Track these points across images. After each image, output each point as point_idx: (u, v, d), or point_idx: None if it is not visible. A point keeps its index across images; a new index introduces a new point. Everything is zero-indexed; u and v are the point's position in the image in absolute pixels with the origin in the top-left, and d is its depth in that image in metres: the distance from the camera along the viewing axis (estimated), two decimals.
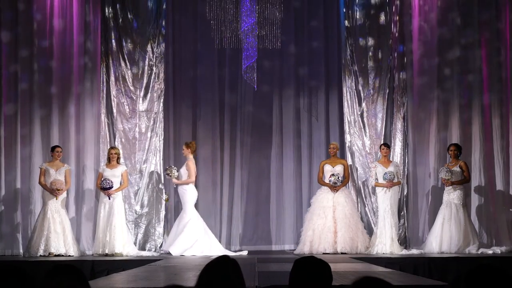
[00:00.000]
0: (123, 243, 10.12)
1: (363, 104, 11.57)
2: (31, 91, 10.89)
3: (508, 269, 2.43)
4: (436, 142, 11.16)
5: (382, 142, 11.08)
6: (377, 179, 10.53)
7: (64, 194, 10.25)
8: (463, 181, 10.37)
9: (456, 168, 10.34)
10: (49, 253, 9.82)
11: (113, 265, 8.63)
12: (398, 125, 11.48)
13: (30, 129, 10.83)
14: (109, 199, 10.23)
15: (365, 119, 11.57)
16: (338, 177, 10.66)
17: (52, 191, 10.02)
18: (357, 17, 11.63)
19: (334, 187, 10.59)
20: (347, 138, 11.46)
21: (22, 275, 2.44)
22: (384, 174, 10.39)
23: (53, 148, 10.36)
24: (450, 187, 10.27)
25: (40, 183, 10.21)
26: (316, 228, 10.45)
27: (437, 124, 11.18)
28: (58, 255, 9.83)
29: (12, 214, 10.75)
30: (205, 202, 11.77)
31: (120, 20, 11.49)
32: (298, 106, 12.04)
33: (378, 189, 10.53)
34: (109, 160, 10.50)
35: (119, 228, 10.14)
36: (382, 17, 11.62)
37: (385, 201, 10.39)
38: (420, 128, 11.24)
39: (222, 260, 2.63)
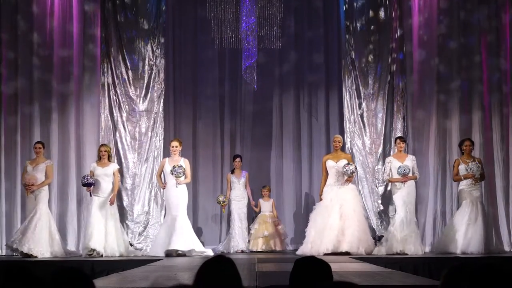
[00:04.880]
0: (117, 243, 9.80)
1: (363, 104, 11.57)
2: (31, 91, 10.89)
3: (509, 269, 2.43)
4: (436, 142, 11.16)
5: (398, 136, 10.64)
6: (390, 174, 9.95)
7: (43, 192, 9.74)
8: (483, 179, 10.00)
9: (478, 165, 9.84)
10: (21, 252, 9.45)
11: (113, 265, 8.61)
12: (398, 125, 11.48)
13: (29, 129, 10.83)
14: (90, 196, 9.89)
15: (365, 119, 11.57)
16: (356, 166, 10.12)
17: (25, 187, 9.73)
18: (357, 17, 11.64)
19: (350, 177, 10.00)
20: (347, 138, 11.46)
21: (29, 275, 2.43)
22: (398, 168, 9.78)
23: (34, 145, 10.07)
24: (476, 184, 9.76)
25: (21, 181, 10.05)
26: (318, 227, 9.94)
27: (437, 124, 11.18)
28: (30, 255, 9.38)
29: None
30: (205, 202, 11.80)
31: (120, 20, 11.50)
32: (298, 106, 12.04)
33: (393, 185, 10.03)
34: (99, 158, 10.04)
35: (112, 228, 9.80)
36: (383, 18, 11.64)
37: (401, 198, 9.80)
38: (420, 128, 11.24)
39: (217, 259, 2.63)
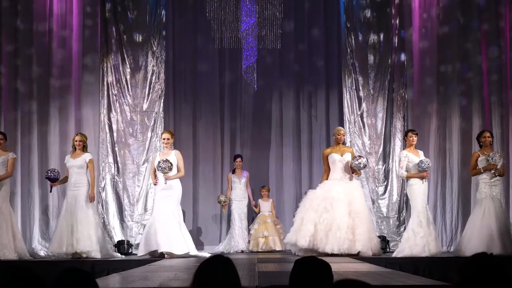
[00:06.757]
0: (90, 242, 8.93)
1: (363, 104, 11.58)
2: (30, 92, 10.88)
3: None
4: (436, 142, 11.16)
5: (409, 129, 9.89)
6: (408, 170, 9.13)
7: (4, 186, 9.15)
8: (503, 174, 9.30)
9: None
10: None
11: (113, 265, 8.61)
12: (398, 125, 11.48)
13: (29, 129, 10.81)
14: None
15: (365, 119, 11.58)
16: (367, 159, 9.49)
17: None
18: (357, 18, 11.64)
19: (361, 169, 9.43)
20: (347, 138, 11.46)
21: (31, 275, 2.43)
22: (421, 163, 9.01)
23: None
24: (496, 178, 9.02)
25: None
26: (321, 223, 9.04)
27: (437, 124, 11.18)
28: None
29: None
30: (205, 202, 11.80)
31: (120, 20, 11.50)
32: (298, 106, 12.04)
33: (413, 182, 9.10)
34: (74, 148, 9.33)
35: (84, 225, 8.95)
36: (382, 18, 11.64)
37: (422, 195, 9.03)
38: (420, 128, 11.23)
39: (215, 259, 2.63)
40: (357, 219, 9.07)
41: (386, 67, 11.59)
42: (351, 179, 9.47)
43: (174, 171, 9.36)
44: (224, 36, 10.84)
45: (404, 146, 11.03)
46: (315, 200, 9.28)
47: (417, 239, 8.90)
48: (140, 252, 9.33)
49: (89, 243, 8.95)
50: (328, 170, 9.55)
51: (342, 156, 9.46)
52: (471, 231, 9.08)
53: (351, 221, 9.04)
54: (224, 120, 12.00)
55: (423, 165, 9.03)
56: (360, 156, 9.50)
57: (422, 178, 9.09)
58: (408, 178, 9.16)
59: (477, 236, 8.93)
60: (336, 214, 9.05)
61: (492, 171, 9.04)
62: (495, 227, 8.89)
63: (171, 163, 9.21)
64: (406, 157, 9.16)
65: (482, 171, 9.09)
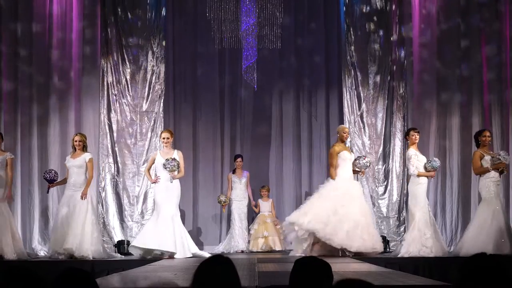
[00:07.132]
0: (79, 240, 8.85)
1: (363, 104, 11.58)
2: (30, 93, 10.86)
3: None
4: (436, 142, 11.15)
5: (411, 127, 9.81)
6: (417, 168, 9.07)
7: (3, 188, 9.11)
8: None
9: None
10: None
11: (113, 265, 8.61)
12: (398, 125, 11.48)
13: (29, 129, 10.80)
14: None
15: (365, 119, 11.57)
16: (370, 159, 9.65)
17: None
18: (357, 18, 11.64)
19: (366, 169, 9.59)
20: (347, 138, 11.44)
21: (31, 276, 2.43)
22: (434, 162, 9.04)
23: None
24: (501, 177, 8.96)
25: None
26: (337, 214, 8.89)
27: (437, 124, 11.18)
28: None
29: None
30: (205, 202, 11.80)
31: (120, 20, 11.50)
32: (298, 106, 12.04)
33: (422, 180, 9.05)
34: (74, 149, 9.34)
35: (79, 225, 8.90)
36: (383, 18, 11.64)
37: (425, 194, 9.03)
38: (420, 128, 11.22)
39: (215, 259, 2.63)
40: (368, 217, 9.14)
41: (386, 66, 11.59)
42: (355, 178, 9.64)
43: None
44: (224, 36, 10.85)
45: (405, 145, 11.07)
46: (333, 192, 9.17)
47: (423, 240, 8.86)
48: (136, 243, 9.21)
49: (78, 241, 8.85)
50: (336, 167, 9.37)
51: (351, 155, 9.56)
52: (478, 230, 8.87)
53: (364, 219, 9.04)
54: (224, 120, 12.00)
55: (435, 164, 9.05)
56: (364, 156, 9.71)
57: (430, 177, 9.14)
58: (417, 176, 9.05)
59: (486, 235, 8.71)
60: (353, 210, 8.98)
61: (500, 170, 8.95)
62: (504, 226, 8.77)
63: (178, 161, 9.18)
64: (415, 155, 9.10)
65: (490, 169, 8.91)
